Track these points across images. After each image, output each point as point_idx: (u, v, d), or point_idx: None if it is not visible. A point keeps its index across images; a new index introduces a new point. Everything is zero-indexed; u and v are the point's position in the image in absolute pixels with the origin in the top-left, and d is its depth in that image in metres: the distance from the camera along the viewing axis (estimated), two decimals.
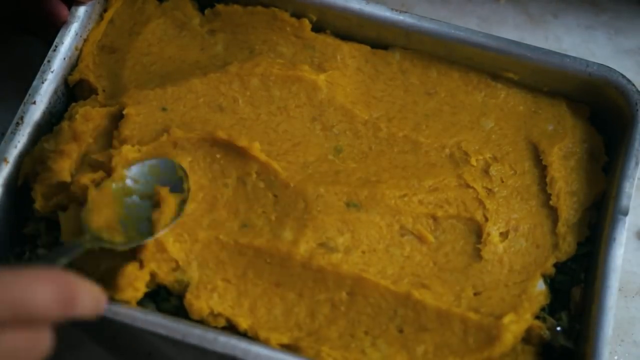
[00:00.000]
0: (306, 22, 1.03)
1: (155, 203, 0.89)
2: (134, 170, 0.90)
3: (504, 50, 0.99)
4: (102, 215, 0.87)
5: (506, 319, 0.87)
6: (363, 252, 0.91)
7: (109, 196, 0.88)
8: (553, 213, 0.95)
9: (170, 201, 0.89)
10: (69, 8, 0.98)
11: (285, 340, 0.87)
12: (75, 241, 0.84)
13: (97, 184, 0.89)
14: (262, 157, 0.92)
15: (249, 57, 1.01)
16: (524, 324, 0.88)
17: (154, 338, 0.90)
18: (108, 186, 0.88)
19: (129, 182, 0.89)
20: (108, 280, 0.85)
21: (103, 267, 0.87)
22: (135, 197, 0.89)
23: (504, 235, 0.94)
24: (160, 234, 0.87)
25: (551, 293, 0.92)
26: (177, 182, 0.90)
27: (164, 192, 0.89)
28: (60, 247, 0.85)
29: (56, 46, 0.97)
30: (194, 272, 0.88)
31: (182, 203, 0.89)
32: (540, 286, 0.91)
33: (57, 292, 0.67)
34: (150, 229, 0.87)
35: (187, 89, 0.97)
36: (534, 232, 0.95)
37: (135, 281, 0.85)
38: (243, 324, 0.87)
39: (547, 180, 0.96)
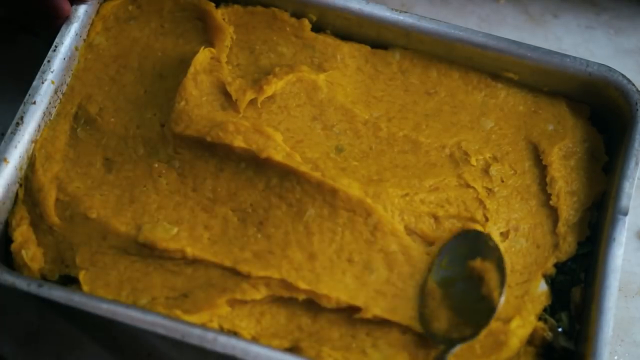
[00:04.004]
0: (306, 22, 1.03)
1: (479, 278, 0.88)
2: (442, 256, 0.90)
3: (504, 50, 0.99)
4: (442, 318, 0.87)
5: (513, 324, 0.87)
6: None
7: (437, 294, 0.89)
8: (553, 213, 0.95)
9: (489, 268, 0.88)
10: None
11: (286, 344, 0.87)
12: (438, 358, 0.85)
13: None
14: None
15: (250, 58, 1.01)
16: (529, 327, 0.88)
17: (154, 338, 0.90)
18: (430, 284, 0.89)
19: (443, 271, 0.90)
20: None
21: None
22: (458, 282, 0.89)
23: (504, 235, 0.94)
24: (501, 303, 0.86)
25: (552, 293, 0.92)
26: (482, 248, 0.89)
27: (479, 263, 0.88)
28: None
29: (56, 46, 0.97)
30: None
31: (499, 262, 0.88)
32: (542, 287, 0.91)
33: None
34: (483, 304, 0.86)
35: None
36: (534, 232, 0.95)
37: None
38: (246, 334, 0.87)
39: (547, 180, 0.96)
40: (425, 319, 0.87)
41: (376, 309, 0.87)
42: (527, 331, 0.88)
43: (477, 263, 0.88)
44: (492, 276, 0.87)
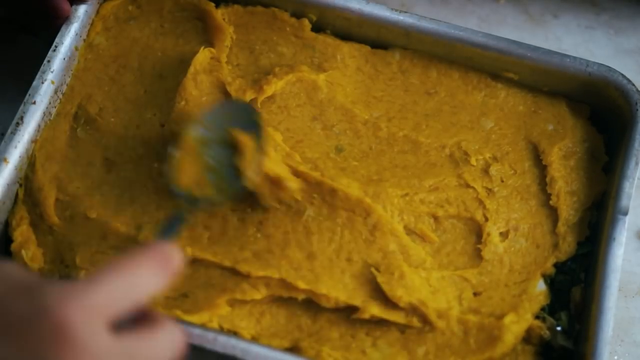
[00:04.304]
0: (306, 22, 1.03)
1: (235, 148, 0.88)
2: (207, 116, 0.89)
3: (504, 50, 0.99)
4: (188, 172, 0.86)
5: (507, 319, 0.87)
6: None
7: (192, 149, 0.87)
8: (553, 213, 0.95)
9: (248, 143, 0.88)
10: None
11: (286, 344, 0.87)
12: (175, 213, 0.83)
13: None
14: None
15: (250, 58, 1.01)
16: (524, 324, 0.88)
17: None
18: (188, 139, 0.87)
19: (203, 130, 0.88)
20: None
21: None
22: (214, 145, 0.88)
23: (504, 235, 0.94)
24: (252, 181, 0.86)
25: (551, 293, 0.92)
26: (249, 122, 0.89)
27: (240, 134, 0.88)
28: (163, 225, 0.83)
29: (56, 46, 0.97)
30: None
31: (259, 141, 0.87)
32: (540, 286, 0.91)
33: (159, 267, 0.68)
34: (236, 175, 0.86)
35: None
36: (534, 232, 0.95)
37: None
38: (246, 334, 0.87)
39: (547, 180, 0.96)
40: (172, 169, 0.87)
41: (374, 309, 0.87)
42: (522, 327, 0.88)
43: (237, 132, 0.88)
44: (247, 151, 0.87)
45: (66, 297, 0.60)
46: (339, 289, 0.88)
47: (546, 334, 0.89)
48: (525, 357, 0.88)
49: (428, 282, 0.90)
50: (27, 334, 0.59)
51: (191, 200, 0.85)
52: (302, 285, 0.87)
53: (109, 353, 0.61)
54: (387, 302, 0.88)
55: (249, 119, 0.89)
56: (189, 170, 0.87)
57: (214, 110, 0.91)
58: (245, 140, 0.88)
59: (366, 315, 0.87)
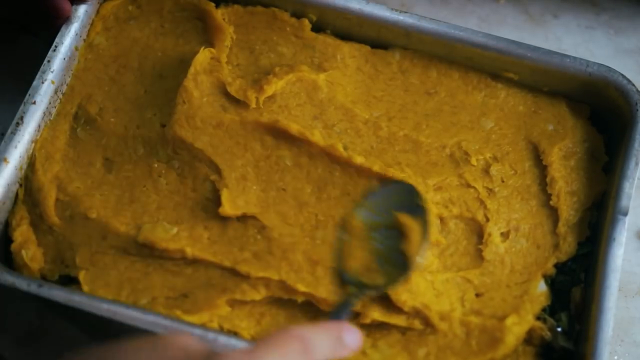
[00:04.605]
0: (306, 22, 1.03)
1: (401, 232, 0.86)
2: (371, 199, 0.88)
3: (504, 50, 0.99)
4: (358, 258, 0.86)
5: (509, 321, 0.87)
6: None
7: (360, 233, 0.87)
8: (553, 213, 0.95)
9: (414, 227, 0.86)
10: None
11: None
12: (345, 299, 0.83)
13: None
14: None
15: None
16: (525, 325, 0.88)
17: None
18: (356, 223, 0.87)
19: (369, 214, 0.88)
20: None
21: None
22: (381, 229, 0.87)
23: (505, 235, 0.94)
24: (418, 263, 0.85)
25: (551, 293, 0.92)
26: (413, 205, 0.87)
27: (406, 218, 0.87)
28: (334, 309, 0.83)
29: (56, 46, 0.97)
30: None
31: (425, 225, 0.86)
32: (541, 287, 0.91)
33: None
34: (402, 260, 0.85)
35: None
36: (534, 232, 0.95)
37: None
38: (246, 334, 0.87)
39: (547, 180, 0.96)
40: (342, 255, 0.86)
41: (375, 313, 0.87)
42: (523, 329, 0.88)
43: (403, 217, 0.87)
44: (414, 235, 0.86)
45: None
46: (339, 292, 0.88)
47: (547, 334, 0.89)
48: (526, 358, 0.88)
49: (433, 286, 0.90)
50: None
51: (360, 286, 0.84)
52: (301, 288, 0.87)
53: None
54: (389, 305, 0.88)
55: (413, 202, 0.88)
56: (357, 255, 0.86)
57: (378, 192, 0.90)
58: (412, 225, 0.86)
59: (367, 320, 0.87)
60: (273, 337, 0.66)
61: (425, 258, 0.87)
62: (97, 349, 0.65)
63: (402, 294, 0.87)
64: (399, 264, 0.85)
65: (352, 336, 0.74)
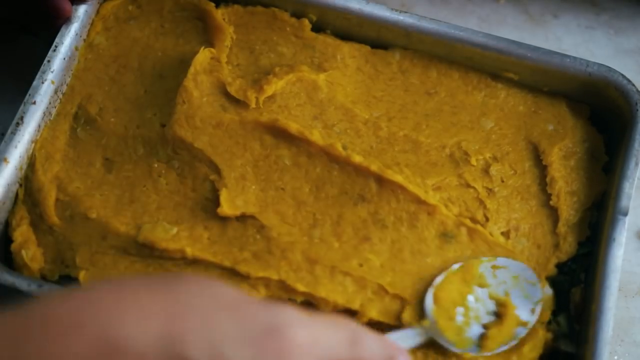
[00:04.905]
0: (306, 22, 1.03)
1: (499, 311, 0.87)
2: (499, 263, 0.89)
3: (504, 50, 0.99)
4: (449, 295, 0.86)
5: (526, 349, 0.86)
6: None
7: (470, 278, 0.87)
8: (553, 213, 0.95)
9: (512, 320, 0.86)
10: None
11: None
12: (412, 328, 0.84)
13: None
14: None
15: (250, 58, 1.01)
16: (539, 347, 0.87)
17: None
18: (473, 268, 0.88)
19: (488, 272, 0.88)
20: None
21: None
22: (486, 292, 0.87)
23: (505, 235, 0.94)
24: (488, 354, 0.84)
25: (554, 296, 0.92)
26: (529, 298, 0.87)
27: (511, 307, 0.87)
28: (393, 332, 0.84)
29: (56, 46, 0.97)
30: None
31: (523, 326, 0.86)
32: (547, 291, 0.91)
33: None
34: (478, 340, 0.85)
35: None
36: (534, 232, 0.94)
37: None
38: None
39: (547, 180, 0.96)
40: (440, 288, 0.87)
41: (372, 312, 0.87)
42: (538, 353, 0.87)
43: (511, 305, 0.87)
44: (506, 327, 0.86)
45: (300, 325, 0.63)
46: (338, 292, 0.88)
47: (556, 343, 0.89)
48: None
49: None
50: (265, 343, 0.61)
51: (433, 327, 0.84)
52: (301, 287, 0.87)
53: None
54: (387, 305, 0.88)
55: (528, 291, 0.88)
56: (453, 292, 0.87)
57: (509, 262, 0.89)
58: (512, 318, 0.86)
59: (364, 320, 0.87)
60: (331, 316, 0.67)
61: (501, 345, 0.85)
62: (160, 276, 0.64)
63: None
64: (471, 337, 0.85)
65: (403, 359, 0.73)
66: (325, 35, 1.03)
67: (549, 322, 0.90)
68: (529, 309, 0.87)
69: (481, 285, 0.88)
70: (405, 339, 0.83)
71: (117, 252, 0.91)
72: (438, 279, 0.87)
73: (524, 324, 0.86)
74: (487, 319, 0.86)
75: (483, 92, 1.02)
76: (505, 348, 0.85)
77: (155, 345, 0.57)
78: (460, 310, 0.86)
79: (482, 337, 0.85)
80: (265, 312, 0.63)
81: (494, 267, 0.89)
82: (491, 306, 0.87)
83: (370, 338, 0.70)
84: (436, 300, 0.86)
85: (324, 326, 0.65)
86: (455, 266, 0.88)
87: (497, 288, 0.88)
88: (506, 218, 0.95)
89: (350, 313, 0.88)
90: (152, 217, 0.92)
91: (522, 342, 0.87)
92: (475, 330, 0.86)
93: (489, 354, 0.84)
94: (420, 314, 0.86)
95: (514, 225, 0.94)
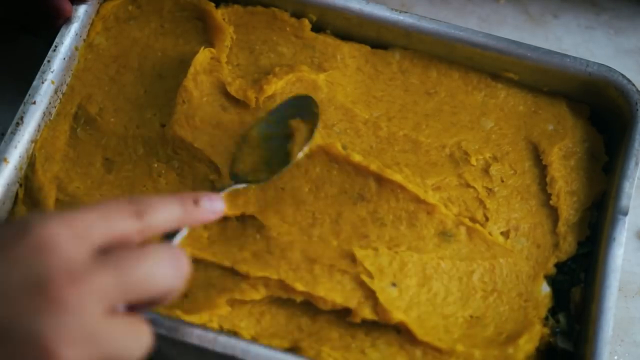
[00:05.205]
0: (306, 22, 1.03)
1: (290, 135, 0.92)
2: (272, 113, 0.94)
3: (504, 50, 0.99)
4: (247, 162, 0.91)
5: (522, 341, 0.87)
6: None
7: (255, 144, 0.92)
8: (553, 213, 0.95)
9: (301, 128, 0.91)
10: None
11: (286, 344, 0.87)
12: (223, 185, 0.88)
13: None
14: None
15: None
16: (536, 339, 0.88)
17: (154, 338, 0.90)
18: (252, 133, 0.93)
19: (267, 126, 0.93)
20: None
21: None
22: (275, 138, 0.92)
23: (504, 234, 0.94)
24: (297, 158, 0.90)
25: (553, 294, 0.92)
26: (306, 112, 0.93)
27: (297, 123, 0.92)
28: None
29: (56, 46, 0.97)
30: None
31: (314, 127, 0.91)
32: (545, 289, 0.91)
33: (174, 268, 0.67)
34: (286, 156, 0.90)
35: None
36: (534, 231, 0.95)
37: None
38: (246, 334, 0.87)
39: (547, 180, 0.96)
40: (234, 161, 0.92)
41: (366, 311, 0.87)
42: (534, 345, 0.88)
43: (294, 122, 0.92)
44: (301, 135, 0.91)
45: (51, 217, 0.62)
46: (337, 291, 0.88)
47: (552, 339, 0.89)
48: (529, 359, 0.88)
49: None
50: (13, 247, 0.60)
51: (245, 182, 0.90)
52: (300, 287, 0.87)
53: (93, 267, 0.61)
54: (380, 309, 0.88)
55: (308, 110, 0.93)
56: (248, 160, 0.91)
57: (279, 106, 0.95)
58: (300, 126, 0.91)
59: (357, 319, 0.87)
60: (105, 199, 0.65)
61: (304, 154, 0.91)
62: None
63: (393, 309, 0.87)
64: (280, 162, 0.90)
65: (210, 200, 0.72)
66: (325, 35, 1.03)
67: (547, 319, 0.90)
68: None
69: (267, 137, 0.93)
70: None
71: None
72: (232, 160, 0.93)
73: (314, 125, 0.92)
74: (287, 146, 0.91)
75: (483, 92, 1.02)
76: (306, 148, 0.90)
77: None
78: (262, 161, 0.92)
79: (288, 156, 0.91)
80: (12, 224, 0.62)
81: (267, 119, 0.95)
82: (285, 141, 0.92)
83: (158, 201, 0.67)
84: (238, 168, 0.92)
85: (91, 209, 0.63)
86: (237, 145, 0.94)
87: (280, 128, 0.94)
88: (506, 218, 0.95)
89: (348, 311, 0.88)
90: None
91: (517, 335, 0.88)
92: (284, 159, 0.91)
93: (296, 159, 0.90)
94: None
95: (514, 225, 0.94)
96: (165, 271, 0.65)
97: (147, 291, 0.65)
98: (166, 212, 0.68)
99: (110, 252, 0.64)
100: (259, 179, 0.90)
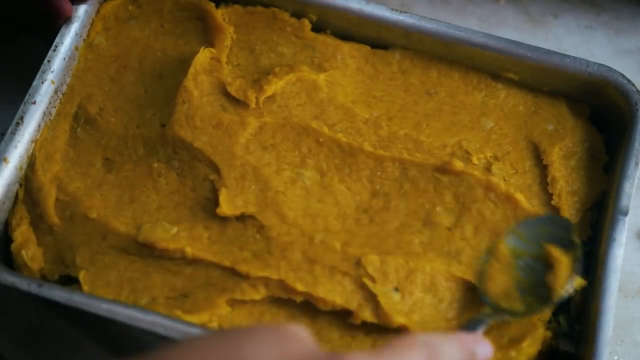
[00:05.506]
0: (306, 22, 1.03)
1: (548, 264, 0.87)
2: (523, 227, 0.90)
3: (504, 50, 0.99)
4: (498, 282, 0.87)
5: (525, 344, 0.87)
6: None
7: (505, 259, 0.88)
8: (555, 213, 0.95)
9: (564, 261, 0.87)
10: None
11: None
12: (477, 318, 0.84)
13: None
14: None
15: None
16: (539, 343, 0.87)
17: (154, 338, 0.90)
18: (503, 248, 0.89)
19: (518, 242, 0.89)
20: None
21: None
22: (527, 259, 0.88)
23: None
24: (560, 298, 0.86)
25: None
26: (565, 239, 0.88)
27: (557, 252, 0.87)
28: (468, 323, 0.85)
29: (56, 46, 0.97)
30: None
31: (577, 261, 0.87)
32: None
33: None
34: (547, 293, 0.86)
35: None
36: None
37: None
38: None
39: (548, 179, 0.96)
40: (483, 277, 0.88)
41: (366, 313, 0.87)
42: (536, 348, 0.87)
43: (554, 249, 0.88)
44: (562, 269, 0.86)
45: None
46: (337, 292, 0.88)
47: (554, 341, 0.89)
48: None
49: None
50: None
51: (498, 310, 0.86)
52: (300, 287, 0.87)
53: None
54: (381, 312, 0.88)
55: (566, 236, 0.89)
56: (499, 279, 0.88)
57: (530, 221, 0.91)
58: (561, 258, 0.87)
59: (357, 321, 0.87)
60: (399, 341, 0.65)
61: (568, 294, 0.86)
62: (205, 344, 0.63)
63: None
64: (540, 295, 0.86)
65: (485, 349, 0.73)
66: (325, 35, 1.03)
67: (549, 322, 0.90)
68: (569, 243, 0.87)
69: (519, 255, 0.88)
70: (479, 327, 0.83)
71: (117, 252, 0.91)
72: (478, 273, 0.88)
73: (576, 258, 0.87)
74: (542, 276, 0.87)
75: (483, 92, 1.02)
76: (571, 287, 0.85)
77: None
78: (515, 286, 0.87)
79: (547, 291, 0.86)
80: None
81: (517, 233, 0.89)
82: (542, 266, 0.87)
83: (446, 346, 0.68)
84: (488, 287, 0.87)
85: (392, 356, 0.64)
86: (484, 258, 0.89)
87: (532, 247, 0.88)
88: None
89: (349, 313, 0.88)
90: (152, 217, 0.92)
91: (521, 338, 0.87)
92: (540, 291, 0.86)
93: (560, 298, 0.85)
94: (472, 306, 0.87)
95: None
96: None
97: None
98: (452, 352, 0.68)
99: None
100: (517, 310, 0.86)
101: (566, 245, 0.88)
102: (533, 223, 0.91)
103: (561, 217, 0.92)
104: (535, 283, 0.87)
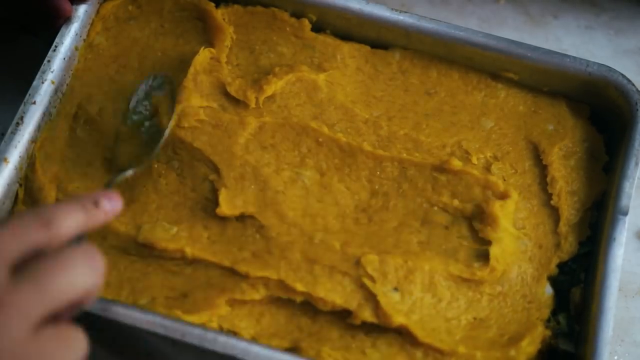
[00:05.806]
0: (306, 22, 1.03)
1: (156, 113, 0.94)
2: (133, 102, 0.94)
3: (504, 50, 0.99)
4: (125, 153, 0.92)
5: (524, 343, 0.87)
6: None
7: (125, 136, 0.93)
8: (554, 212, 0.95)
9: (163, 100, 0.93)
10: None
11: (286, 344, 0.87)
12: (109, 179, 0.89)
13: None
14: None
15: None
16: (538, 342, 0.88)
17: (154, 338, 0.90)
18: (123, 129, 0.94)
19: (134, 116, 0.94)
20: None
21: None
22: (146, 122, 0.93)
23: None
24: (170, 127, 0.92)
25: (555, 295, 0.92)
26: (164, 85, 0.95)
27: (156, 99, 0.94)
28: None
29: (56, 46, 0.97)
30: None
31: (172, 94, 0.94)
32: (548, 290, 0.91)
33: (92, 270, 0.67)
34: (160, 133, 0.92)
35: None
36: (536, 231, 0.94)
37: None
38: (246, 334, 0.87)
39: (548, 179, 0.96)
40: (115, 158, 0.93)
41: (366, 313, 0.87)
42: (536, 347, 0.88)
43: (155, 99, 0.94)
44: (164, 107, 0.92)
45: None
46: (337, 291, 0.88)
47: (554, 341, 0.89)
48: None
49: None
50: None
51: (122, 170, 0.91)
52: (300, 287, 0.87)
53: (12, 287, 0.62)
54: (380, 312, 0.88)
55: (164, 83, 0.95)
56: (127, 153, 0.92)
57: (136, 94, 0.95)
58: (161, 100, 0.93)
59: (357, 321, 0.87)
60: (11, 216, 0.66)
61: (174, 120, 0.93)
62: None
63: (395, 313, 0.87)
64: (158, 136, 0.92)
65: (109, 199, 0.74)
66: (325, 35, 1.03)
67: (549, 321, 0.90)
68: None
69: (142, 122, 0.95)
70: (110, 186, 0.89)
71: (117, 252, 0.91)
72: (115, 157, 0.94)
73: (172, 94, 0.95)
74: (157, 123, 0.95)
75: (483, 92, 1.02)
76: (173, 113, 0.93)
77: None
78: (142, 144, 0.93)
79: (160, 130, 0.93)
80: None
81: (132, 109, 0.96)
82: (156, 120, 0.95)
83: (62, 208, 0.68)
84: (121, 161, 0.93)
85: None
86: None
87: (149, 109, 0.96)
88: None
89: (348, 313, 0.88)
90: (152, 217, 0.92)
91: (520, 337, 0.87)
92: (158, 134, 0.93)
93: (169, 128, 0.93)
94: None
95: (520, 224, 0.94)
96: (83, 272, 0.66)
97: (70, 297, 0.65)
98: (71, 219, 0.69)
99: (26, 266, 0.64)
100: (142, 161, 0.91)
101: (164, 90, 0.95)
102: (139, 92, 0.95)
103: (158, 75, 0.96)
104: (154, 132, 0.93)
